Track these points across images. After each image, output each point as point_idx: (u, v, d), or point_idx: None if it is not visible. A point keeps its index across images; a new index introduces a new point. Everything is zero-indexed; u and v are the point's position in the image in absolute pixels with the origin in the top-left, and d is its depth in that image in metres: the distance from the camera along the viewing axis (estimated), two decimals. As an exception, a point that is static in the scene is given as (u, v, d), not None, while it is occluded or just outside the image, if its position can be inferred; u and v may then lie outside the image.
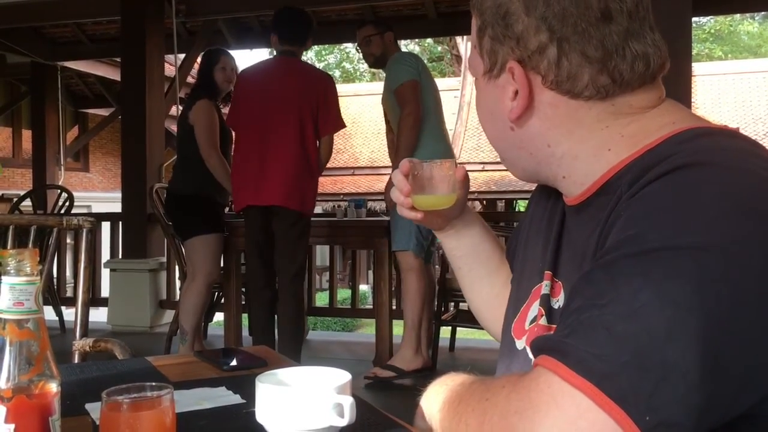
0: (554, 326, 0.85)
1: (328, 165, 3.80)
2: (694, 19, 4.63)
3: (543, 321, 0.87)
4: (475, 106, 0.92)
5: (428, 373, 3.69)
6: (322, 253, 9.45)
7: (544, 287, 0.88)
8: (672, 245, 0.62)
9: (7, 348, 0.66)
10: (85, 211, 9.55)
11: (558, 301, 0.86)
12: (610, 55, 0.77)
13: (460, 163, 1.11)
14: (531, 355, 0.87)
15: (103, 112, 10.58)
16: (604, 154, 0.79)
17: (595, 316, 0.62)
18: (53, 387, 0.68)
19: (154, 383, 0.74)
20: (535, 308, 0.89)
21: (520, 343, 0.91)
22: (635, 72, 0.78)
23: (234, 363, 1.16)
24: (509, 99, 0.82)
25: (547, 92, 0.79)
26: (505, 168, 0.93)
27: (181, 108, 4.90)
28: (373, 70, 27.02)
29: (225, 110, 4.07)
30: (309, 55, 28.39)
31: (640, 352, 0.59)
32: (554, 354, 0.63)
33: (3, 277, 0.67)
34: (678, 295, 0.60)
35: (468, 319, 4.43)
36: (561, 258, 0.88)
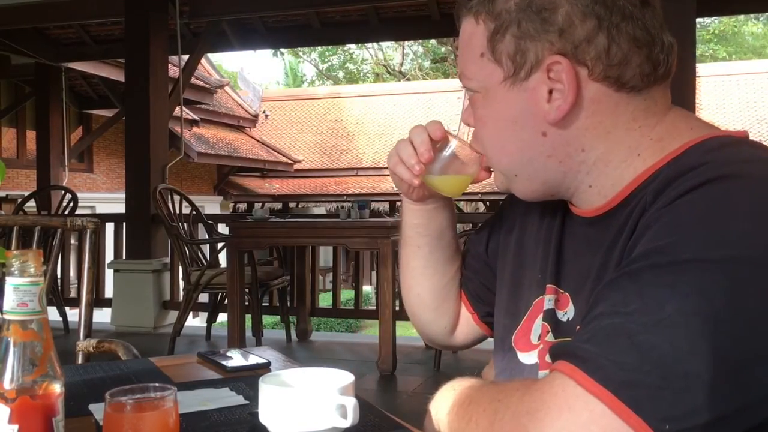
0: (562, 340, 0.83)
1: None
2: (698, 19, 4.62)
3: (549, 337, 0.85)
4: (478, 123, 0.85)
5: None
6: (325, 254, 9.45)
7: (547, 302, 0.86)
8: (702, 258, 0.62)
9: (11, 349, 0.66)
10: (88, 211, 9.56)
11: (566, 314, 0.84)
12: (653, 39, 0.76)
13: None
14: (540, 374, 0.85)
15: (107, 113, 10.60)
16: (633, 159, 0.77)
17: (617, 323, 0.62)
18: (57, 388, 0.68)
19: (157, 384, 0.73)
20: (539, 323, 0.87)
21: (527, 357, 0.89)
22: (668, 62, 0.77)
23: (237, 364, 1.16)
24: (544, 100, 0.77)
25: (593, 85, 0.76)
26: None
27: (185, 109, 4.89)
28: (376, 71, 27.04)
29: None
30: (312, 56, 28.45)
31: (662, 362, 0.59)
32: (572, 359, 0.63)
33: (7, 278, 0.67)
34: (705, 308, 0.59)
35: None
36: (564, 270, 0.86)
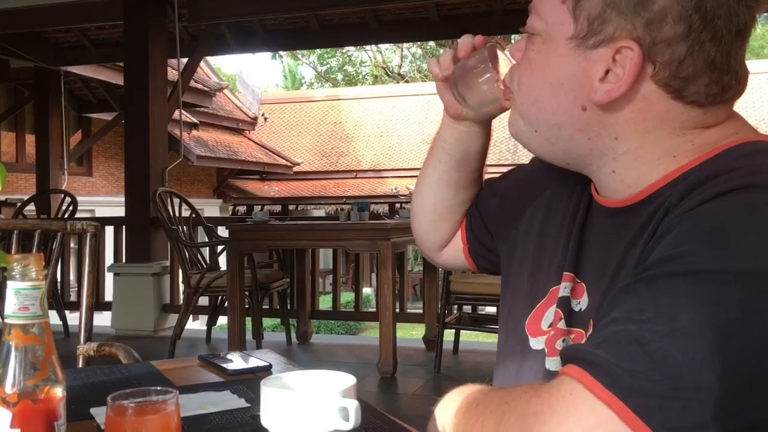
0: (574, 329, 0.84)
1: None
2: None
3: (561, 324, 0.84)
4: (525, 63, 0.81)
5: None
6: (325, 257, 9.45)
7: (563, 289, 0.86)
8: (720, 268, 0.60)
9: (13, 353, 0.66)
10: (88, 215, 9.56)
11: (580, 303, 0.84)
12: (730, 69, 0.73)
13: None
14: (548, 360, 0.85)
15: (107, 116, 10.61)
16: (667, 159, 0.75)
17: (630, 330, 0.61)
18: (59, 392, 0.68)
19: (159, 387, 0.73)
20: (552, 311, 0.87)
21: (536, 343, 0.89)
22: (737, 87, 0.75)
23: (238, 367, 1.16)
24: (597, 78, 0.74)
25: (650, 85, 0.73)
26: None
27: (184, 113, 4.90)
28: (375, 73, 27.08)
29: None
30: (311, 59, 28.47)
31: (674, 372, 0.58)
32: (582, 364, 0.62)
33: (8, 282, 0.67)
34: (720, 320, 0.59)
35: (472, 322, 4.43)
36: (583, 259, 0.85)
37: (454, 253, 1.13)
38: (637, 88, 0.74)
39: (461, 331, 4.49)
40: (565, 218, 0.91)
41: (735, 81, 0.75)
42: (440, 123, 1.05)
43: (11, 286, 0.67)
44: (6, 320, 0.67)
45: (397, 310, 4.13)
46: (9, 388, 0.65)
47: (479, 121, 1.01)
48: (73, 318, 5.05)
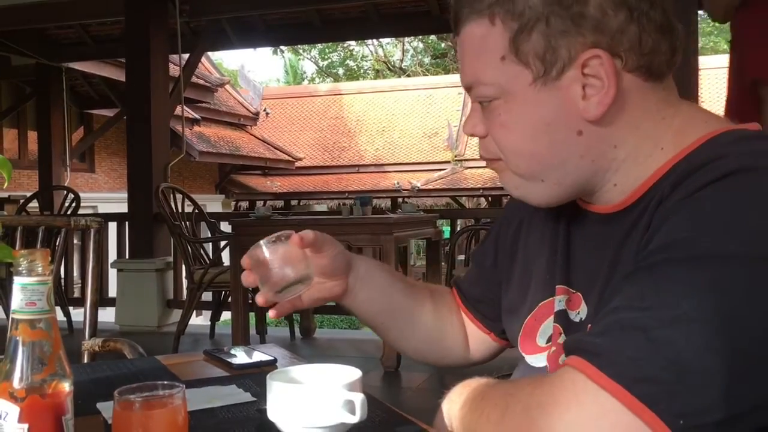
0: None
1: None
2: (699, 12, 4.60)
3: (561, 339, 0.84)
4: (501, 130, 0.79)
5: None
6: (328, 251, 9.43)
7: (558, 303, 0.85)
8: (721, 253, 0.61)
9: (20, 348, 0.66)
10: (90, 211, 9.57)
11: (578, 314, 0.83)
12: (672, 25, 0.76)
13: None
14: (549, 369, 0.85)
15: (108, 112, 10.61)
16: (657, 154, 0.76)
17: (633, 318, 0.61)
18: (66, 386, 0.68)
19: (165, 382, 0.74)
20: (548, 325, 0.86)
21: (535, 360, 0.89)
22: (680, 47, 0.77)
23: (244, 361, 1.16)
24: (579, 97, 0.74)
25: (626, 76, 0.75)
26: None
27: (186, 108, 4.89)
28: (377, 67, 27.01)
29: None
30: (312, 54, 28.43)
31: (678, 359, 0.58)
32: (584, 354, 0.62)
33: (15, 278, 0.67)
34: (722, 304, 0.59)
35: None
36: (574, 269, 0.84)
37: (484, 344, 1.07)
38: (620, 86, 0.75)
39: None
40: (545, 231, 0.90)
41: (678, 40, 0.77)
42: (352, 311, 1.05)
43: (18, 281, 0.67)
44: (13, 315, 0.67)
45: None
46: (17, 383, 0.66)
47: (351, 270, 1.01)
48: (76, 314, 5.06)
